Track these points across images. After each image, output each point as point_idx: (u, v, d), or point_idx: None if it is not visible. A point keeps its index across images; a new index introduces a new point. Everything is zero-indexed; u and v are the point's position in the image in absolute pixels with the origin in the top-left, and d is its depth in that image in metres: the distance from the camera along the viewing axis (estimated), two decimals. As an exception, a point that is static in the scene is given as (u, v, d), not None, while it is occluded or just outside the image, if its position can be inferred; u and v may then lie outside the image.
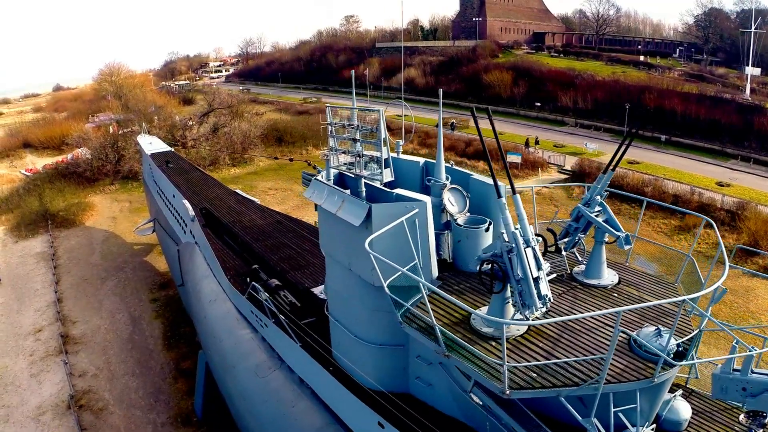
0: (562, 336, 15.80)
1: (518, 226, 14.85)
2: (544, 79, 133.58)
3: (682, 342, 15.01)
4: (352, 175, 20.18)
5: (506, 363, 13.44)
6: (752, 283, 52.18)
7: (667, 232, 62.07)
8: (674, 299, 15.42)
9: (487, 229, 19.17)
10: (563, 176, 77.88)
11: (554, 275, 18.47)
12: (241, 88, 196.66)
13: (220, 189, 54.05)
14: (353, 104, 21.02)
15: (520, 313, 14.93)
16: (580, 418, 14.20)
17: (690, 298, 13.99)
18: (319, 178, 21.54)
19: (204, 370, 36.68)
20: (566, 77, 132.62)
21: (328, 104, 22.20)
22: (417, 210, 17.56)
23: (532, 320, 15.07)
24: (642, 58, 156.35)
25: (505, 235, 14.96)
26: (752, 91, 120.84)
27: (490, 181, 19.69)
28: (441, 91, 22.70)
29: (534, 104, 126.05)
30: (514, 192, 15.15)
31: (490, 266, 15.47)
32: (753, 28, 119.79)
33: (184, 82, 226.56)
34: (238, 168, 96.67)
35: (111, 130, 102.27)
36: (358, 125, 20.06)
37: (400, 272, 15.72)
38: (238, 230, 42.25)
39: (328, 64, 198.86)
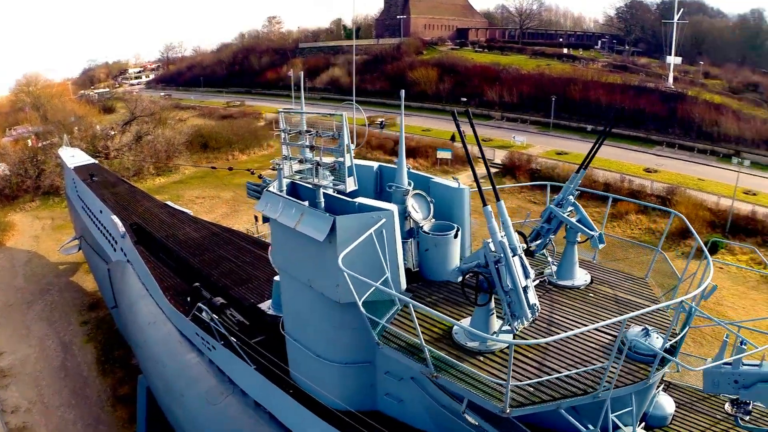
0: (550, 344, 15.42)
1: (503, 233, 14.36)
2: (469, 75, 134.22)
3: (670, 338, 14.77)
4: (310, 185, 18.97)
5: (510, 382, 12.95)
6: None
7: (599, 220, 62.00)
8: (673, 301, 14.85)
9: (456, 236, 18.49)
10: (494, 170, 77.69)
11: (537, 281, 18.00)
12: (162, 93, 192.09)
13: (150, 202, 51.44)
14: (302, 108, 19.96)
15: (509, 325, 14.41)
16: (584, 429, 14.03)
17: (687, 298, 14.06)
18: (271, 189, 19.88)
19: (145, 396, 34.92)
20: (491, 72, 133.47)
21: (281, 110, 20.70)
22: (384, 220, 16.67)
23: (520, 330, 15.04)
24: (565, 50, 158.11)
25: (491, 245, 14.38)
26: (675, 79, 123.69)
27: (452, 184, 19.76)
28: (402, 92, 21.48)
29: (460, 99, 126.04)
30: (498, 199, 14.62)
31: (474, 277, 14.93)
32: (676, 18, 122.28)
33: (104, 90, 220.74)
34: (163, 177, 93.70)
35: (30, 144, 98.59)
36: (317, 131, 18.75)
37: (373, 288, 15.11)
38: (173, 245, 39.82)
39: (251, 67, 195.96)
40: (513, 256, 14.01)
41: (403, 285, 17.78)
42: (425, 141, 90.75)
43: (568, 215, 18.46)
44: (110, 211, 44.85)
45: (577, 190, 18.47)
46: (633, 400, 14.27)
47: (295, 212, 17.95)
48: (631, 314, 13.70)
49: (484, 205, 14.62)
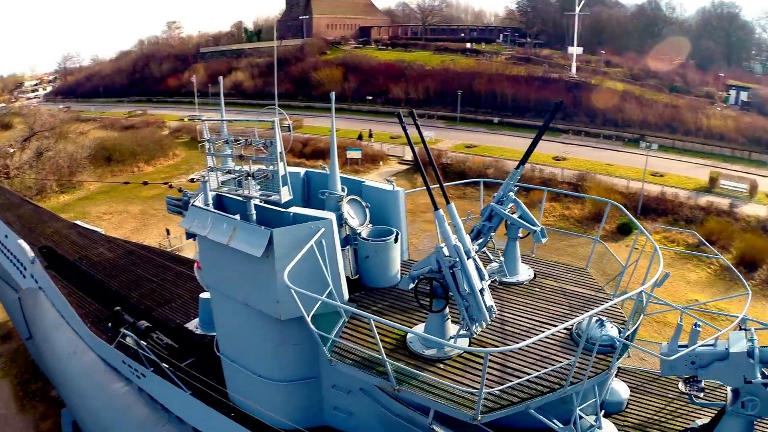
0: (506, 342, 15.40)
1: (456, 236, 14.27)
2: (374, 73, 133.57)
3: (623, 327, 15.06)
4: (240, 198, 17.56)
5: (484, 389, 12.60)
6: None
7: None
8: (635, 292, 14.48)
9: (396, 240, 18.23)
10: (404, 167, 76.53)
11: (489, 281, 17.16)
12: (61, 106, 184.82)
13: (59, 222, 47.51)
14: (222, 115, 19.04)
15: (465, 329, 14.41)
16: (554, 426, 14.13)
17: (646, 287, 14.53)
18: (197, 203, 18.30)
19: (71, 430, 32.88)
20: (396, 69, 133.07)
21: (203, 117, 19.22)
22: (323, 229, 15.83)
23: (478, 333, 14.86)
24: (468, 45, 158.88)
25: (445, 249, 14.20)
26: (578, 69, 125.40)
27: (385, 186, 19.45)
28: (333, 94, 20.43)
29: (366, 98, 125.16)
30: (447, 202, 14.58)
31: (427, 284, 14.64)
32: (577, 10, 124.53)
33: (0, 105, 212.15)
34: (67, 194, 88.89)
35: None
36: (247, 140, 17.28)
37: (320, 302, 14.59)
38: (87, 268, 36.70)
39: (151, 74, 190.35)
40: (468, 260, 13.91)
41: (346, 295, 17.15)
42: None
43: (509, 211, 18.33)
44: (16, 235, 40.69)
45: (516, 185, 18.53)
46: (596, 391, 14.66)
47: (227, 227, 16.53)
48: (597, 309, 13.65)
49: (436, 209, 14.50)
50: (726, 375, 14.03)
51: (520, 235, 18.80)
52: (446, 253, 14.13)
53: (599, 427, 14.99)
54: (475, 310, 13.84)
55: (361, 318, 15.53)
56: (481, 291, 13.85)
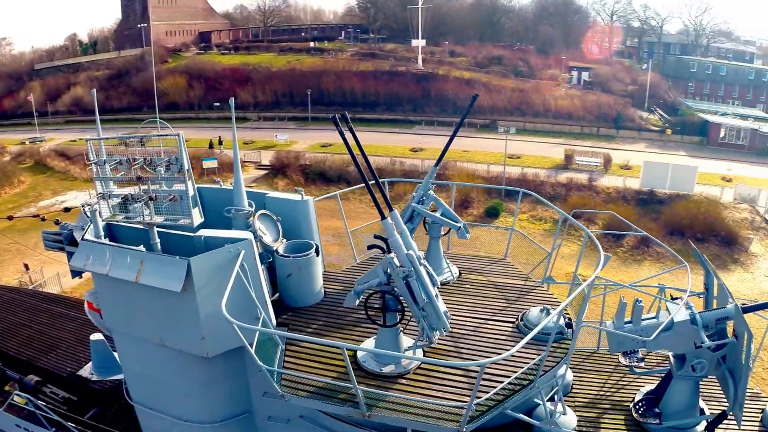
0: (459, 345, 14.84)
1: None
2: (219, 78, 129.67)
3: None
4: (139, 225, 14.73)
5: (475, 399, 11.93)
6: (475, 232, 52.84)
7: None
8: (591, 278, 13.89)
9: (317, 253, 16.83)
10: (263, 172, 73.46)
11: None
12: None
13: None
14: (99, 132, 15.46)
15: (426, 339, 13.67)
16: (538, 423, 14.17)
17: (598, 273, 13.85)
18: (88, 236, 15.13)
19: None
20: (242, 73, 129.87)
21: (87, 138, 15.45)
22: (243, 251, 13.81)
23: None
24: (312, 44, 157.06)
25: (396, 260, 13.15)
26: (423, 61, 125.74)
27: (294, 196, 17.97)
28: (232, 100, 19.04)
29: (213, 105, 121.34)
30: (390, 209, 13.45)
31: (380, 297, 13.64)
32: (420, 3, 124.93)
33: None
34: None
35: None
36: (146, 159, 14.40)
37: (257, 331, 12.89)
38: None
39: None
40: (420, 266, 13.16)
41: (274, 320, 15.36)
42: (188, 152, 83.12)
43: (429, 210, 17.71)
44: None
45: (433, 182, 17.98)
46: (557, 379, 14.35)
47: (132, 261, 13.88)
48: (565, 303, 13.43)
49: (383, 218, 13.30)
50: (673, 343, 14.47)
51: (442, 233, 18.13)
52: (398, 263, 13.11)
53: (564, 413, 14.75)
54: (434, 319, 13.26)
55: (298, 342, 14.49)
56: (436, 296, 13.22)
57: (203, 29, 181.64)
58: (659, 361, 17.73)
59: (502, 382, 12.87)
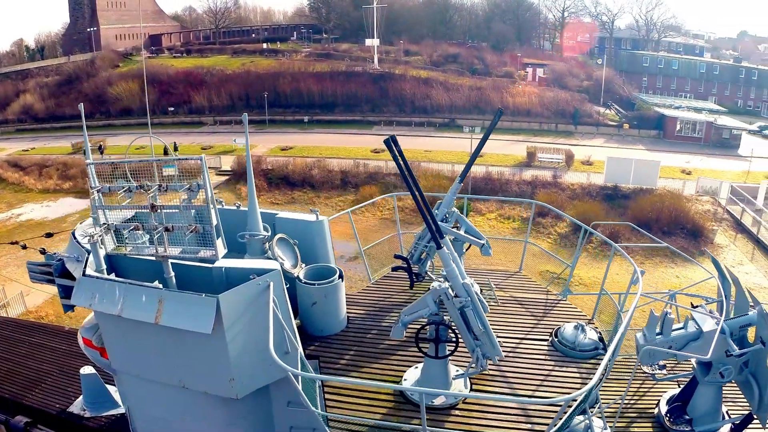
0: (502, 369, 14.55)
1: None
2: (172, 82, 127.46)
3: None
4: (152, 257, 13.25)
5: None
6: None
7: (347, 208, 59.77)
8: (633, 306, 14.06)
9: (341, 278, 15.79)
10: (224, 177, 71.94)
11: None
12: None
13: None
14: (85, 147, 14.41)
15: (477, 367, 13.30)
16: None
17: (650, 294, 15.12)
18: (89, 271, 13.19)
19: None
20: (196, 76, 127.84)
21: (88, 162, 14.03)
22: (272, 282, 12.38)
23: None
24: (265, 45, 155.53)
25: (450, 290, 12.63)
26: (380, 60, 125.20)
27: (308, 217, 16.91)
28: (246, 116, 16.36)
29: (168, 110, 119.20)
30: (441, 236, 12.66)
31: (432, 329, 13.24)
32: (375, 3, 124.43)
33: None
34: None
35: None
36: (161, 185, 13.00)
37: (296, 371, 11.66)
38: None
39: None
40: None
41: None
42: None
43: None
44: None
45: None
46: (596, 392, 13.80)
47: (149, 300, 12.24)
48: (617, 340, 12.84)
49: (439, 247, 12.61)
50: (703, 351, 13.96)
51: (464, 249, 17.82)
52: (452, 292, 12.63)
53: (605, 429, 14.31)
54: (489, 347, 13.02)
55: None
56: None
57: (153, 32, 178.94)
58: (672, 364, 17.55)
59: (552, 405, 12.83)
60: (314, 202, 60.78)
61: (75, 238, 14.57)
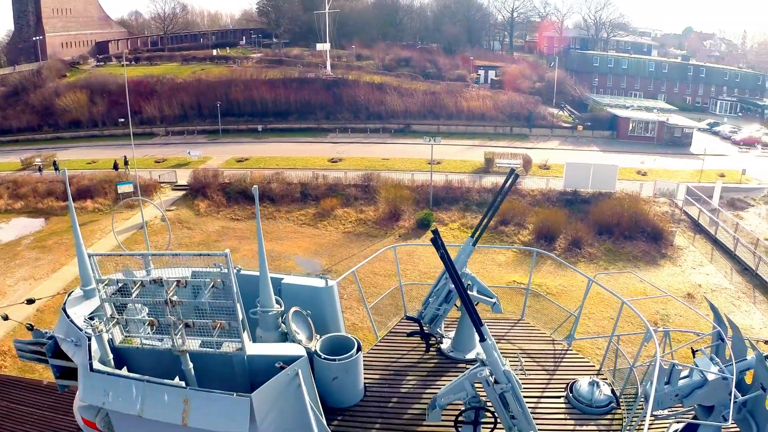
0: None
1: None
2: (122, 92, 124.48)
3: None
4: (168, 347, 12.14)
5: None
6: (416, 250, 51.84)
7: (308, 222, 59.29)
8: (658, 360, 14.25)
9: (359, 350, 15.12)
10: (181, 193, 69.77)
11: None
12: None
13: None
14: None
15: None
16: None
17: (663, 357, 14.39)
18: (97, 365, 12.01)
19: None
20: (146, 86, 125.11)
21: (90, 253, 13.00)
22: (299, 370, 11.99)
23: None
24: (215, 52, 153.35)
25: (491, 377, 13.00)
26: (332, 66, 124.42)
27: (316, 283, 15.94)
28: (256, 190, 15.30)
29: (118, 121, 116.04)
30: (481, 323, 12.92)
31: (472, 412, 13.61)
32: (327, 8, 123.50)
33: None
34: None
35: None
36: (179, 281, 11.93)
37: None
38: None
39: None
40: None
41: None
42: (98, 176, 74.96)
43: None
44: None
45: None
46: None
47: (173, 400, 11.31)
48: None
49: (482, 340, 12.93)
50: (708, 398, 14.60)
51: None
52: (492, 379, 13.00)
53: None
54: (524, 424, 13.24)
55: None
56: None
57: (100, 39, 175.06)
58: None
59: None
60: (275, 216, 59.86)
61: (68, 316, 13.39)
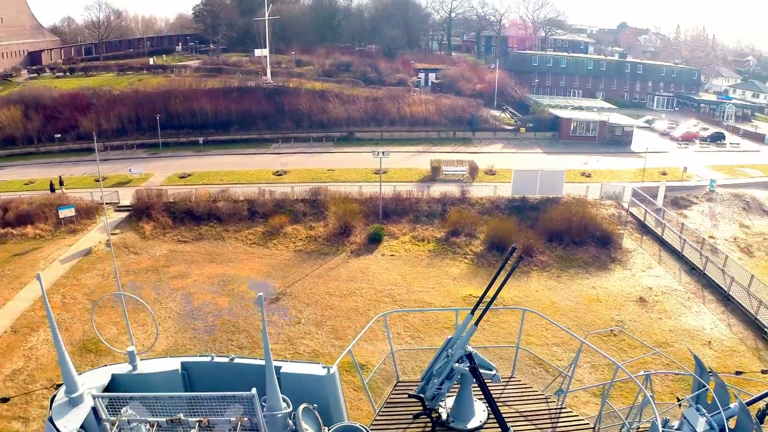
0: None
1: None
2: (58, 106, 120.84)
3: None
4: None
5: None
6: (369, 266, 50.89)
7: (258, 242, 58.10)
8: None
9: None
10: (124, 214, 66.94)
11: None
12: None
13: None
14: None
15: None
16: None
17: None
18: None
19: None
20: (82, 99, 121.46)
21: (95, 393, 12.53)
22: None
23: None
24: (152, 61, 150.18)
25: None
26: (273, 74, 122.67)
27: (305, 369, 15.03)
28: (261, 296, 14.87)
29: (54, 137, 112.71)
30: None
31: None
32: (267, 14, 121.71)
33: None
34: None
35: None
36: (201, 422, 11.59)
37: None
38: None
39: None
40: None
41: None
42: (37, 199, 69.50)
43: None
44: None
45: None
46: None
47: None
48: None
49: None
50: None
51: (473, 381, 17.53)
52: None
53: None
54: None
55: None
56: None
57: (33, 49, 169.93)
58: None
59: None
60: (223, 237, 58.45)
61: (58, 430, 12.59)
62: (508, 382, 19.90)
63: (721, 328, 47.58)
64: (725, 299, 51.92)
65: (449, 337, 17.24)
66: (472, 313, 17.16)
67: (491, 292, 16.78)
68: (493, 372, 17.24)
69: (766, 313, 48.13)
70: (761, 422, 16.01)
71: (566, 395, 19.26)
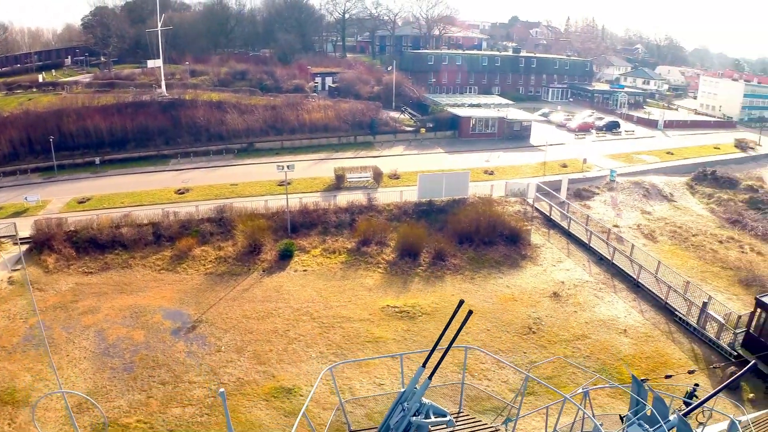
0: None
1: None
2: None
3: None
4: None
5: None
6: (283, 285, 49.95)
7: (166, 267, 56.16)
8: None
9: None
10: (24, 247, 61.97)
11: None
12: None
13: None
14: None
15: None
16: None
17: None
18: None
19: None
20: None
21: None
22: None
23: None
24: (41, 77, 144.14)
25: None
26: (167, 86, 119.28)
27: None
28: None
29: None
30: None
31: None
32: (159, 25, 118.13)
33: None
34: None
35: None
36: None
37: None
38: None
39: None
40: None
41: None
42: None
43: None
44: None
45: None
46: None
47: None
48: None
49: None
50: None
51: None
52: None
53: None
54: None
55: None
56: None
57: None
58: None
59: None
60: (130, 264, 56.13)
61: None
62: (457, 418, 19.97)
63: (635, 315, 48.90)
64: (635, 287, 53.40)
65: (402, 390, 17.24)
66: (424, 365, 17.15)
67: (443, 344, 16.85)
68: (448, 418, 17.30)
69: (675, 297, 49.72)
70: (690, 398, 17.47)
71: (516, 422, 19.60)
